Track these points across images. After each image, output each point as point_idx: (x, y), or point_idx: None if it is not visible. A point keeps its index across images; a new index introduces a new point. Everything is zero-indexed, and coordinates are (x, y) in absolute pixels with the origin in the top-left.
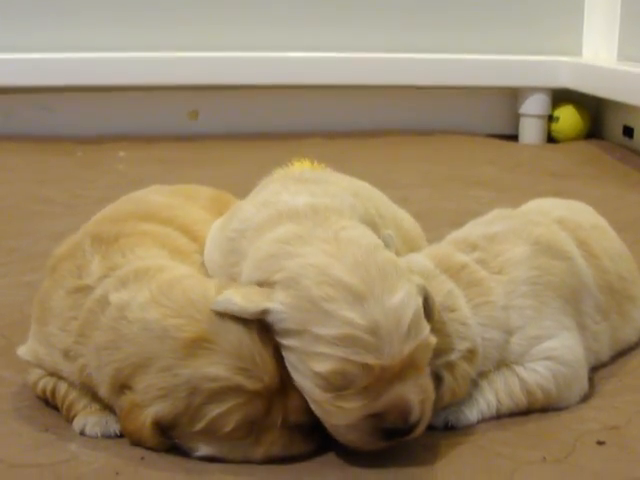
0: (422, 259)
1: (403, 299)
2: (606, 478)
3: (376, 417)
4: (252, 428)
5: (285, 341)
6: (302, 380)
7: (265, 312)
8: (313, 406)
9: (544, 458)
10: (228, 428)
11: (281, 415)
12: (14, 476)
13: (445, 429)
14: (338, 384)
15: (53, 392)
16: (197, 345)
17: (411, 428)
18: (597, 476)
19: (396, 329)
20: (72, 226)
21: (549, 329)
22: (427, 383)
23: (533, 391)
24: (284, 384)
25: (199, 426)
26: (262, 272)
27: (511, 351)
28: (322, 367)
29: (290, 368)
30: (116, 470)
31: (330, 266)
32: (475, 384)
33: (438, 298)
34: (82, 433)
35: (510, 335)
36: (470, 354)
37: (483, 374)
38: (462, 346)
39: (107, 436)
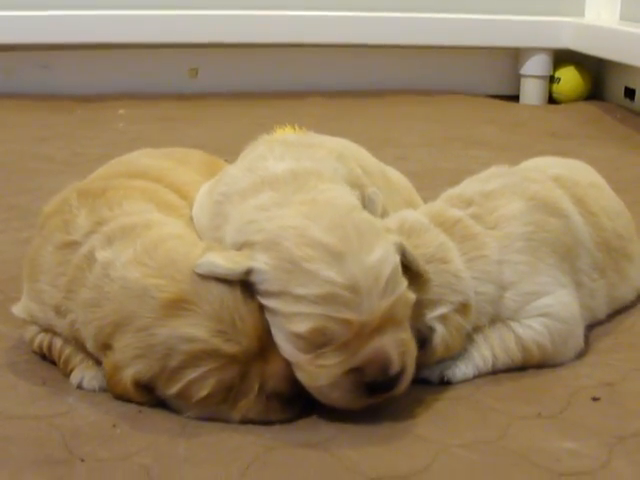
0: (415, 214)
1: (381, 256)
2: (600, 434)
3: (357, 372)
4: (229, 394)
5: (267, 302)
6: (284, 343)
7: (249, 272)
8: (296, 371)
9: (539, 413)
10: (203, 393)
11: (258, 381)
12: (11, 427)
13: (440, 384)
14: (318, 342)
15: (49, 347)
16: (176, 306)
17: (392, 381)
18: (591, 432)
19: (375, 285)
20: (72, 183)
21: (545, 285)
22: (407, 337)
23: (529, 347)
24: (264, 349)
25: (175, 389)
26: (243, 235)
27: (506, 306)
28: (302, 327)
29: (273, 331)
30: (113, 423)
31: (308, 227)
32: (470, 339)
33: (430, 249)
34: (79, 387)
35: (504, 290)
36: (463, 307)
37: (478, 329)
38: (455, 298)
39: (104, 390)
